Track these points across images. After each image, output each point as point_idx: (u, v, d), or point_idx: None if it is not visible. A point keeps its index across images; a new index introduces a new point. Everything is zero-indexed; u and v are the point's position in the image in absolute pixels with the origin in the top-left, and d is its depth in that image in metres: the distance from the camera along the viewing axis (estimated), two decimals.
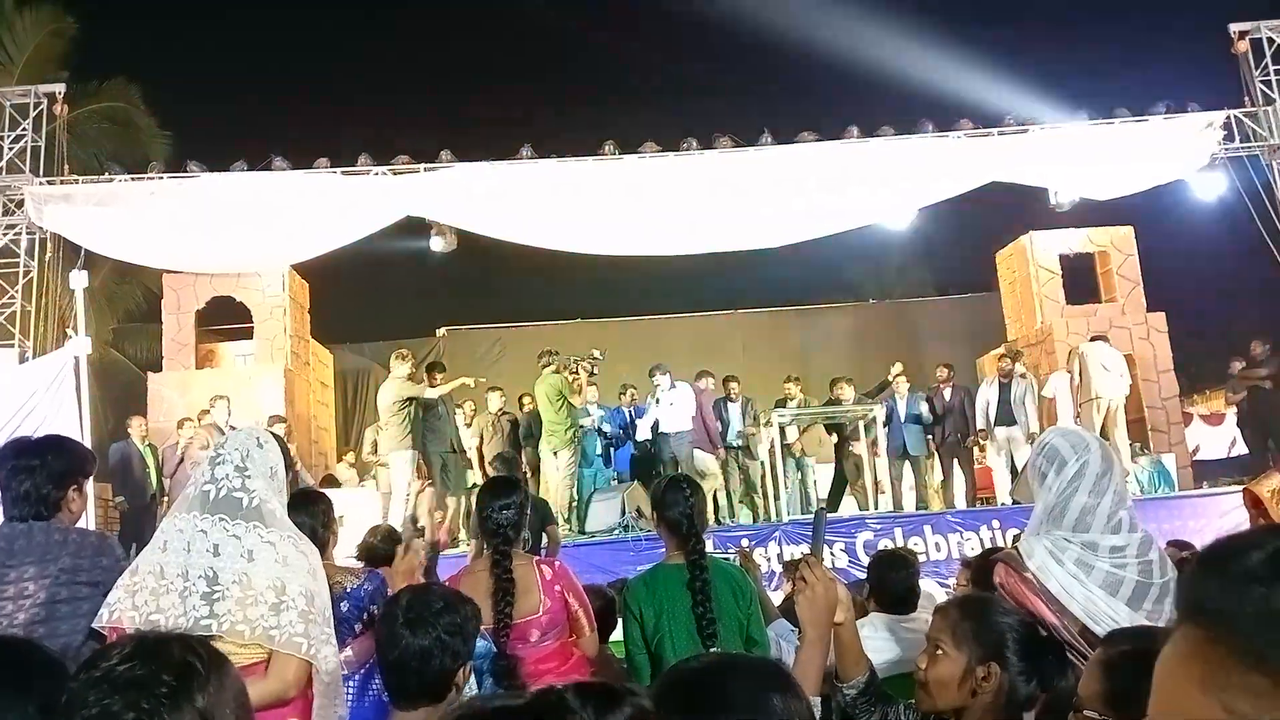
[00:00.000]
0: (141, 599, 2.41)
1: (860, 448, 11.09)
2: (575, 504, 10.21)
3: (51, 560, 2.74)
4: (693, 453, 10.39)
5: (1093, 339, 11.59)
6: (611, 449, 11.57)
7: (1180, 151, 12.16)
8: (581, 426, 10.37)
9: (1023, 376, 11.25)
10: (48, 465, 2.90)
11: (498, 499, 3.42)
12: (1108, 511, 2.19)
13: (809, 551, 2.17)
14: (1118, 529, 2.18)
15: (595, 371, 10.45)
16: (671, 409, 10.38)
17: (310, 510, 3.38)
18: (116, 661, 1.18)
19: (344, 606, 3.21)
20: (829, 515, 3.12)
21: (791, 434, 11.14)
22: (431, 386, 9.65)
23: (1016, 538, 2.48)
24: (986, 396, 11.19)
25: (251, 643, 2.38)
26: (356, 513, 9.18)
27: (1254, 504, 2.33)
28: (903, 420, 10.85)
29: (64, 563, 2.74)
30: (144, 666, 1.18)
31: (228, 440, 2.67)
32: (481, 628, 3.07)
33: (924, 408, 10.91)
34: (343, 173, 11.73)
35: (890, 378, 11.20)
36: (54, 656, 1.48)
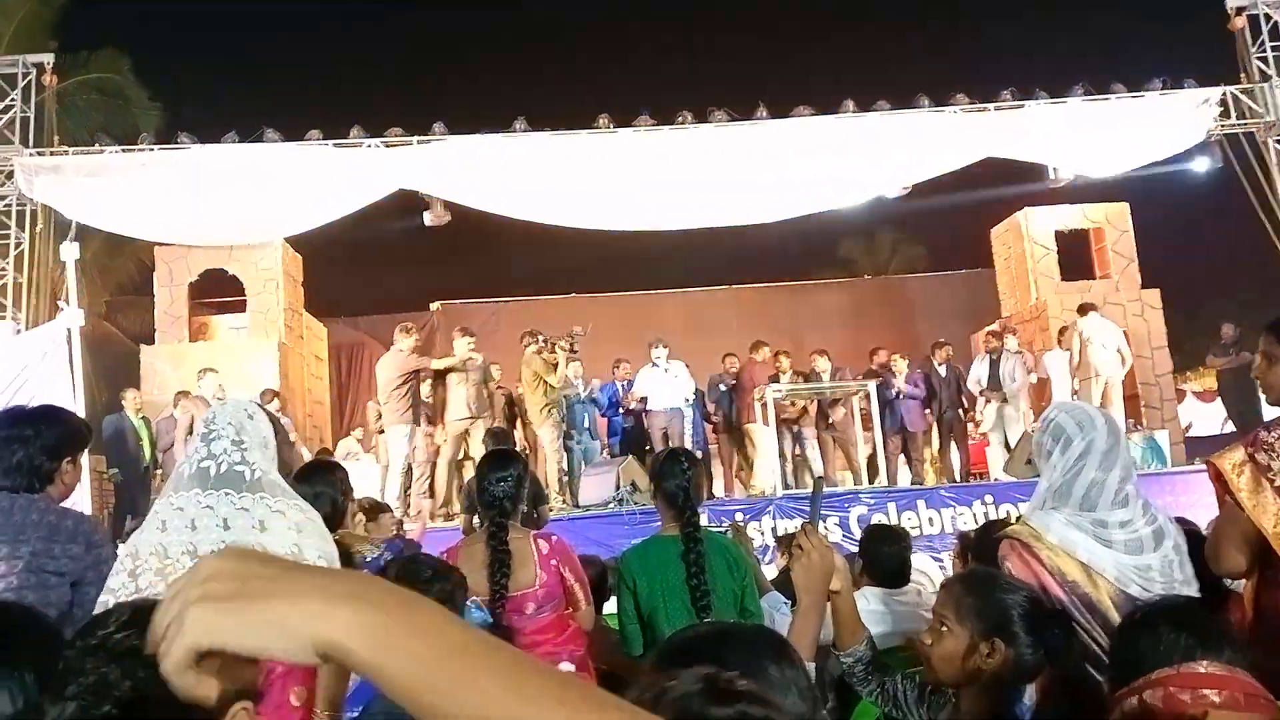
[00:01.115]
0: (145, 580, 2.37)
1: (846, 423, 11.13)
2: (566, 480, 10.26)
3: (24, 542, 2.70)
4: (684, 429, 10.43)
5: (1082, 309, 11.53)
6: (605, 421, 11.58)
7: (1176, 128, 12.14)
8: (568, 400, 10.41)
9: (1017, 352, 11.29)
10: (42, 436, 2.86)
11: (496, 471, 3.44)
12: (1114, 487, 2.20)
13: (806, 520, 2.17)
14: (1125, 503, 2.20)
15: (575, 349, 10.43)
16: (668, 383, 10.40)
17: (329, 480, 3.39)
18: (114, 629, 1.16)
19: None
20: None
21: (782, 408, 11.16)
22: (436, 359, 9.72)
23: (1019, 518, 2.49)
24: (978, 373, 11.26)
25: None
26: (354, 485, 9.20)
27: (1215, 477, 2.35)
28: (900, 398, 10.89)
29: (35, 546, 2.69)
30: (141, 635, 1.17)
31: (217, 415, 2.61)
32: (478, 599, 3.09)
33: (920, 386, 10.96)
34: (335, 145, 11.66)
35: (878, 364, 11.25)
36: (49, 624, 1.46)
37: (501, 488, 3.39)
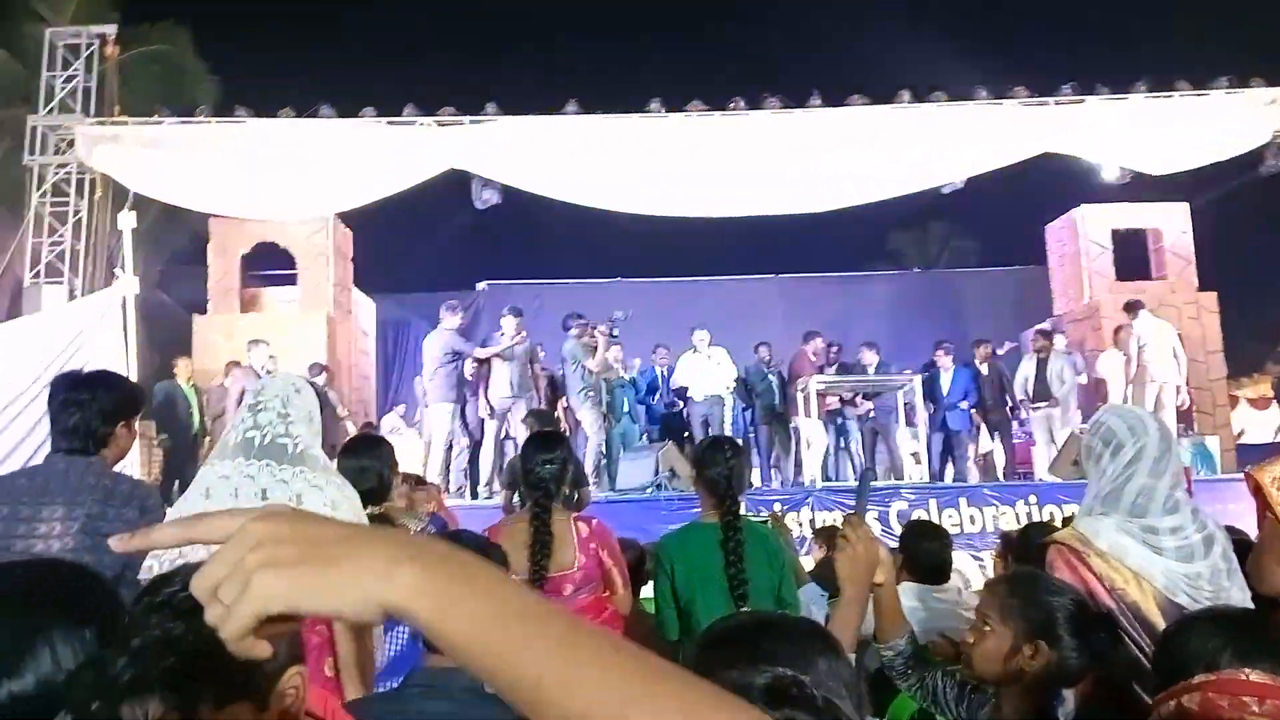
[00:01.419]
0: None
1: (890, 417, 11.07)
2: (605, 463, 10.31)
3: (80, 504, 2.74)
4: (725, 418, 10.41)
5: (1129, 306, 11.26)
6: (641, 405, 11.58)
7: (1240, 127, 11.83)
8: (608, 384, 10.44)
9: (1066, 353, 11.11)
10: (98, 400, 2.89)
11: (542, 452, 3.45)
12: (1165, 493, 2.16)
13: (852, 511, 2.16)
14: (1175, 509, 2.16)
15: (615, 334, 10.44)
16: (709, 370, 10.36)
17: (375, 454, 3.44)
18: (178, 588, 1.20)
19: None
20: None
21: (833, 400, 11.11)
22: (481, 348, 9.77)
23: (1068, 520, 2.45)
24: (1025, 373, 11.10)
25: None
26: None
27: (1255, 490, 2.28)
28: (946, 396, 10.79)
29: (91, 508, 2.73)
30: None
31: (265, 386, 2.66)
32: (517, 579, 3.11)
33: (969, 383, 10.85)
34: (388, 122, 11.74)
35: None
36: (107, 583, 1.49)
37: (548, 469, 3.40)
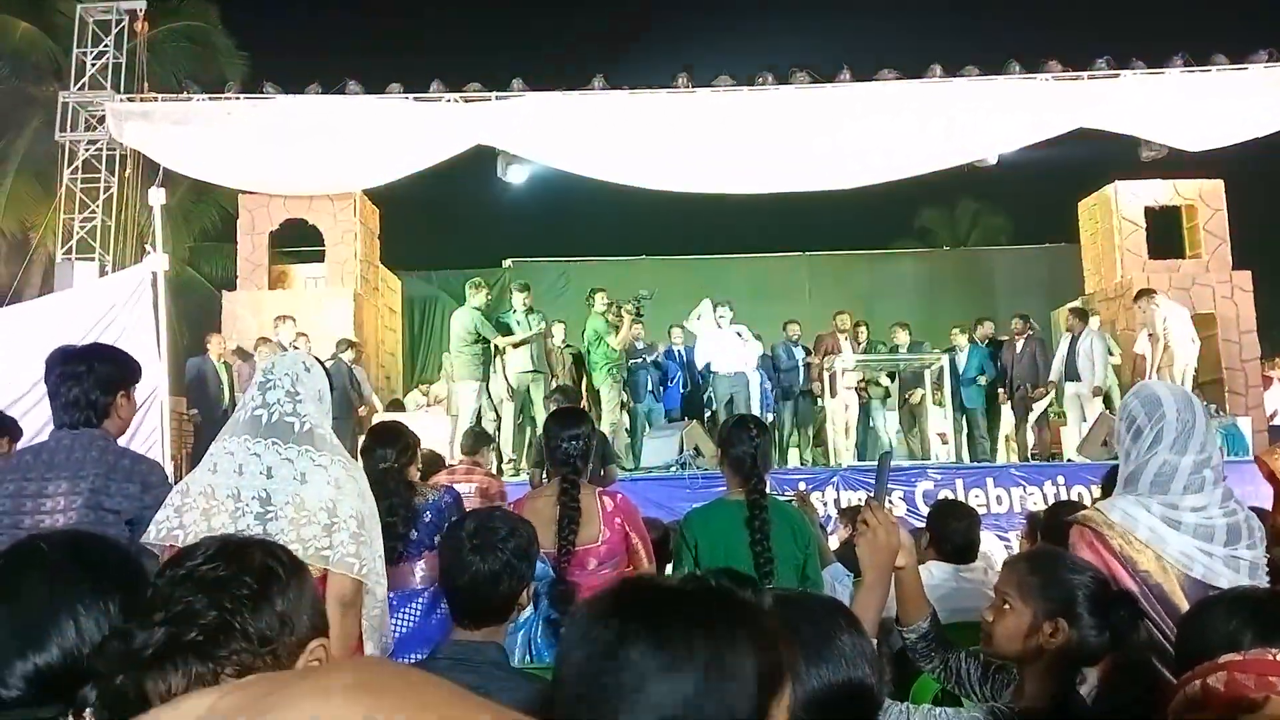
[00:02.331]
0: (190, 518, 2.44)
1: (919, 396, 11.00)
2: (628, 442, 10.32)
3: (82, 478, 2.77)
4: (749, 395, 10.36)
5: (1140, 295, 11.04)
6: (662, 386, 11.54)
7: (1279, 103, 11.61)
8: (632, 361, 10.44)
9: (1094, 330, 10.96)
10: (95, 371, 2.92)
11: (566, 429, 3.47)
12: (1189, 470, 2.13)
13: (872, 495, 2.15)
14: (1200, 488, 2.13)
15: (641, 313, 10.42)
16: (735, 347, 10.31)
17: (396, 445, 3.64)
18: (201, 561, 1.22)
19: (428, 516, 3.33)
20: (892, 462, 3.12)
21: (853, 379, 11.05)
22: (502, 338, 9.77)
23: (1095, 500, 2.44)
24: (1061, 352, 10.96)
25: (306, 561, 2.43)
26: (424, 437, 9.42)
27: (1269, 476, 2.24)
28: (962, 374, 10.72)
29: (94, 482, 2.77)
30: (227, 567, 1.21)
31: (275, 365, 2.68)
32: (543, 551, 3.13)
33: (986, 362, 10.77)
34: (415, 99, 11.75)
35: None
36: (132, 555, 1.50)
37: (574, 445, 3.43)
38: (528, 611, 3.02)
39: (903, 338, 11.21)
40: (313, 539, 2.44)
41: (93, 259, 11.69)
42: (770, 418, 10.66)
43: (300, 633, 1.23)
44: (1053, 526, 3.53)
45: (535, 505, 3.37)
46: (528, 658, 3.08)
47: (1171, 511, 2.10)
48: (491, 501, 5.42)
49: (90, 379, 2.90)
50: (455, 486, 6.25)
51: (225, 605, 1.17)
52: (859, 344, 11.14)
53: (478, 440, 6.65)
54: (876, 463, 2.47)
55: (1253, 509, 4.43)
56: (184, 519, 2.45)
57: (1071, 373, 10.69)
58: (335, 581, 2.45)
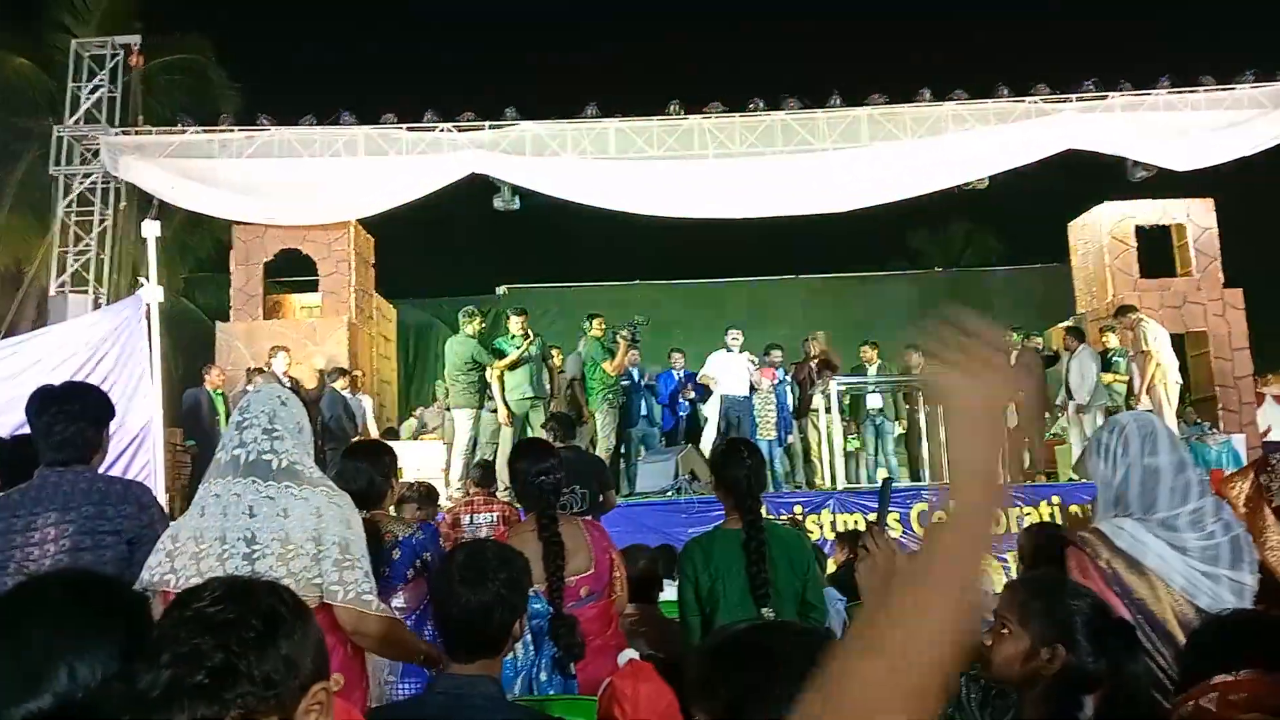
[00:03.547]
0: (181, 563, 2.46)
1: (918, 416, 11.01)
2: (623, 466, 10.30)
3: (73, 507, 2.78)
4: (752, 420, 10.34)
5: (1120, 312, 11.08)
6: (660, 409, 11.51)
7: (1267, 121, 11.72)
8: (625, 387, 10.43)
9: (1086, 349, 10.97)
10: (89, 409, 2.95)
11: (537, 463, 3.43)
12: (1170, 471, 2.17)
13: (873, 521, 2.15)
14: (1187, 492, 2.15)
15: (637, 339, 10.44)
16: (741, 372, 10.30)
17: (373, 460, 3.47)
18: (207, 603, 1.22)
19: (396, 555, 3.29)
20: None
21: (875, 401, 11.08)
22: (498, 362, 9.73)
23: (1043, 526, 2.50)
24: (1060, 371, 10.95)
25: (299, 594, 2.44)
26: (419, 464, 9.47)
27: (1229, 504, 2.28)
28: None
29: (86, 510, 2.78)
30: (234, 609, 1.21)
31: (250, 403, 2.68)
32: (536, 589, 3.11)
33: None
34: (408, 128, 11.82)
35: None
36: (136, 596, 1.50)
37: (547, 480, 3.39)
38: (524, 655, 3.00)
39: (870, 355, 11.25)
40: (302, 570, 2.45)
41: (87, 292, 11.70)
42: (792, 439, 10.80)
43: (304, 676, 1.23)
44: (1033, 549, 3.54)
45: (519, 539, 3.35)
46: (528, 693, 3.06)
47: (1173, 535, 2.12)
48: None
49: (86, 417, 2.93)
50: (477, 516, 6.36)
51: (231, 648, 1.16)
52: (871, 364, 11.20)
53: (487, 473, 7.04)
54: (878, 488, 2.48)
55: None
56: (175, 564, 2.47)
57: (1065, 392, 10.70)
58: (340, 614, 2.48)
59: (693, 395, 10.96)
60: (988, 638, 1.97)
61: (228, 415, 10.40)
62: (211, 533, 2.47)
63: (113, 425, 3.17)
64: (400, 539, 3.32)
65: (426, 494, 5.77)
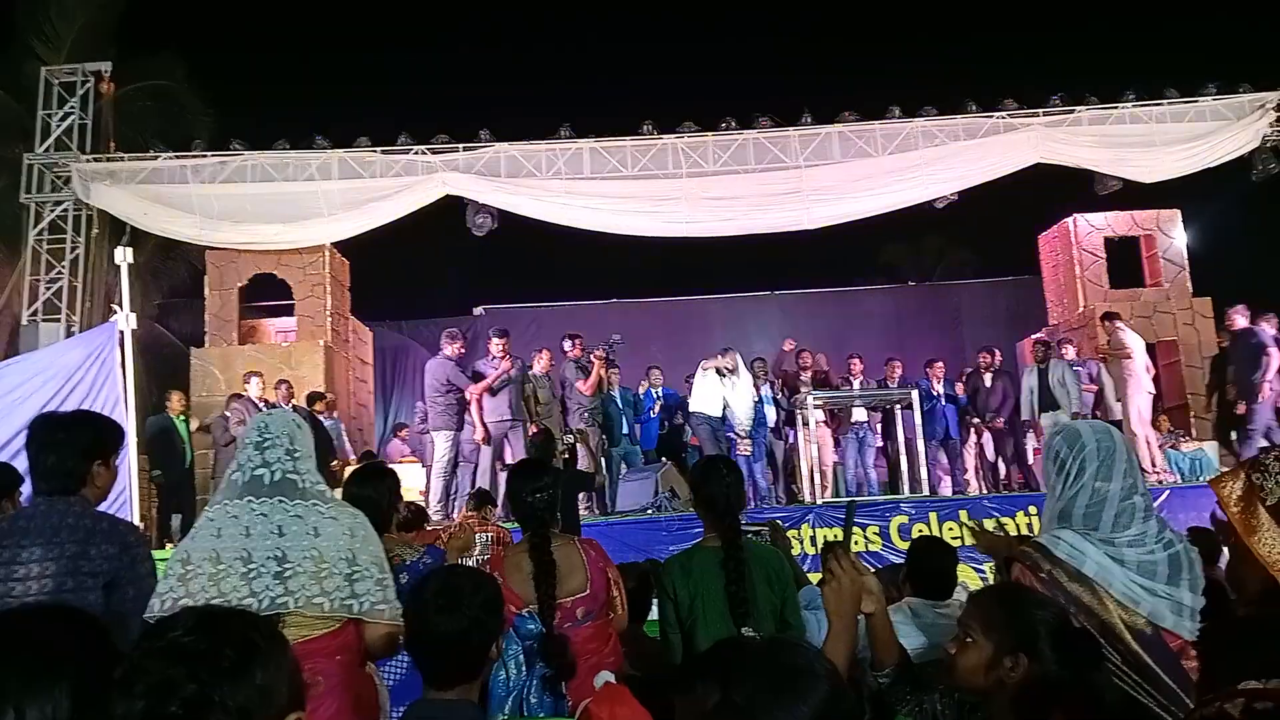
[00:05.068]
0: (197, 585, 2.42)
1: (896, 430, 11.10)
2: (604, 484, 10.29)
3: (58, 544, 2.74)
4: (721, 436, 10.32)
5: (1105, 317, 11.27)
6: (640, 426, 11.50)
7: (1231, 133, 11.91)
8: (603, 407, 10.42)
9: (1069, 361, 11.09)
10: (75, 439, 2.91)
11: (530, 482, 3.43)
12: (1118, 496, 2.20)
13: (838, 544, 2.17)
14: (1131, 518, 2.18)
15: (613, 358, 10.46)
16: (730, 392, 10.27)
17: (376, 485, 3.55)
18: (180, 633, 1.21)
19: (403, 579, 3.31)
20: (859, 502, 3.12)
21: (860, 414, 11.17)
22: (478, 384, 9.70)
23: (1025, 539, 2.52)
24: (1029, 384, 11.02)
25: (330, 615, 2.45)
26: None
27: (1221, 503, 2.28)
28: (942, 405, 10.84)
29: (69, 549, 2.74)
30: (207, 640, 1.20)
31: (270, 423, 2.68)
32: (527, 609, 3.11)
33: (958, 391, 10.94)
34: (382, 151, 11.83)
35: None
36: (98, 627, 1.46)
37: (540, 499, 3.38)
38: (515, 674, 2.99)
39: (857, 369, 11.39)
40: (335, 590, 2.45)
41: (59, 320, 11.60)
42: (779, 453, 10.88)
43: (278, 706, 1.22)
44: (1008, 561, 3.57)
45: (514, 560, 3.34)
46: (519, 713, 3.04)
47: (1111, 549, 2.16)
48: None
49: (68, 447, 2.89)
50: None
51: (203, 678, 1.16)
52: (855, 378, 11.30)
53: (481, 498, 7.32)
54: (843, 510, 2.50)
55: (1195, 528, 4.53)
56: (190, 587, 2.43)
57: (1048, 403, 10.73)
58: (369, 631, 2.51)
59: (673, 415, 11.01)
60: (951, 646, 2.00)
61: (190, 442, 10.36)
62: (230, 553, 2.44)
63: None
64: (407, 562, 3.34)
65: (416, 515, 5.82)
